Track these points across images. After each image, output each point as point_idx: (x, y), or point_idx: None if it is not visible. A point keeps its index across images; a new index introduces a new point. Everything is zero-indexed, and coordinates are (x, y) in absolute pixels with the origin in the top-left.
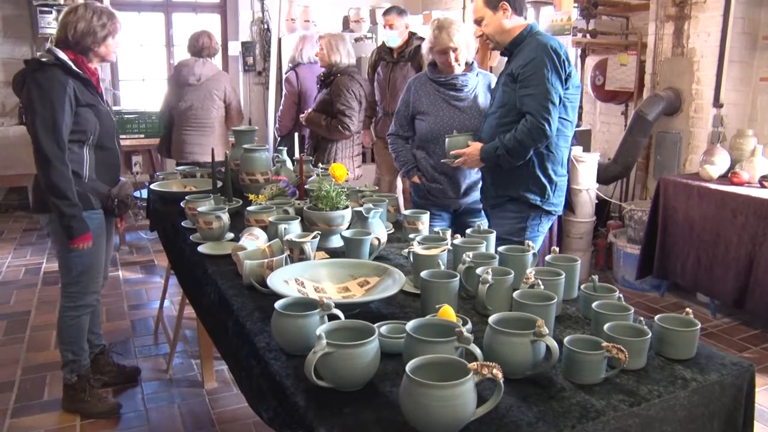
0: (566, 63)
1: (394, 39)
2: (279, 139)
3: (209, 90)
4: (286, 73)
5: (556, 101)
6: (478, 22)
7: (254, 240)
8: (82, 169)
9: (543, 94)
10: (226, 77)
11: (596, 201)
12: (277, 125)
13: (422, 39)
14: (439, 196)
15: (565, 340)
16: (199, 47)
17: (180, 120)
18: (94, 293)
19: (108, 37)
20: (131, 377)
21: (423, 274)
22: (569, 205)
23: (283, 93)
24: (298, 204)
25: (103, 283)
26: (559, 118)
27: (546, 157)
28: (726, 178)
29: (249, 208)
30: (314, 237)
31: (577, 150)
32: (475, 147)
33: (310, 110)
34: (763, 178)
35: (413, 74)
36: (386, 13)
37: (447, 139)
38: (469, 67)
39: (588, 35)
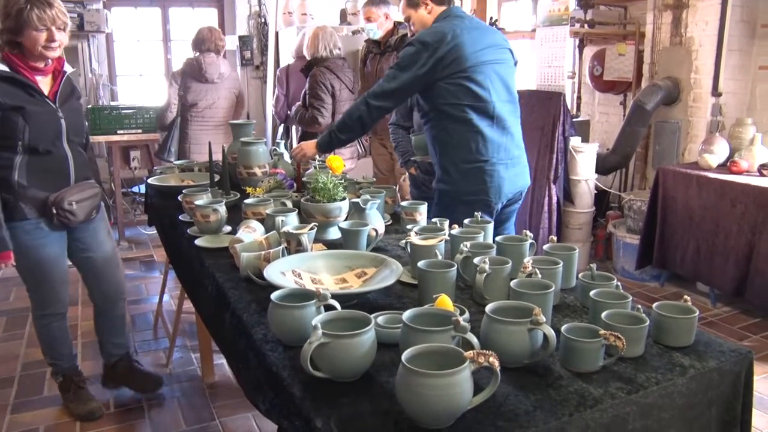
0: (437, 50)
1: (374, 31)
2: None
3: (228, 88)
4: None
5: (393, 87)
6: (407, 21)
7: (251, 232)
8: (11, 175)
9: (386, 78)
10: (237, 74)
11: (595, 191)
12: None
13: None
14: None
15: (563, 328)
16: (216, 44)
17: (192, 118)
18: (57, 303)
19: (24, 27)
20: (153, 386)
21: (420, 264)
22: (568, 196)
23: None
24: (296, 196)
25: (98, 294)
26: (446, 103)
27: (443, 144)
28: (725, 167)
29: (246, 201)
30: (311, 228)
31: (576, 140)
32: (310, 142)
33: (298, 103)
34: (762, 166)
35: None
36: (364, 5)
37: (412, 137)
38: None
39: (586, 25)
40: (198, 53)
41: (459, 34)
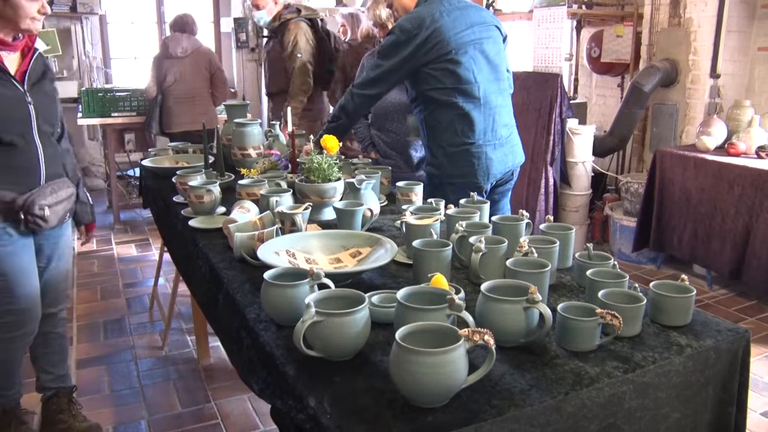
0: (417, 36)
1: (263, 18)
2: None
3: (195, 61)
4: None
5: (375, 75)
6: (389, 7)
7: (245, 213)
8: None
9: (369, 67)
10: (209, 49)
11: (592, 174)
12: None
13: (296, 12)
14: (393, 169)
15: (559, 307)
16: (182, 24)
17: (169, 92)
18: (30, 323)
19: None
20: None
21: (415, 243)
22: (565, 178)
23: None
24: (291, 177)
25: (49, 311)
26: (431, 89)
27: (430, 128)
28: (723, 149)
29: (241, 182)
30: (305, 208)
31: (573, 122)
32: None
33: None
34: (760, 148)
35: (278, 50)
36: None
37: (409, 118)
38: None
39: (584, 6)
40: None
41: (438, 18)
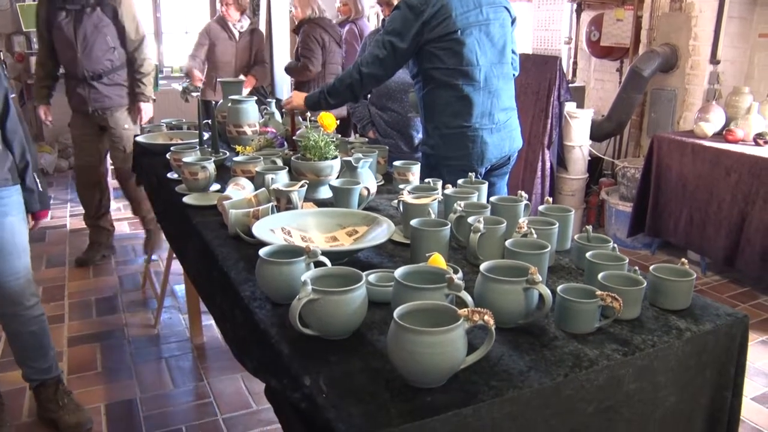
0: (423, 12)
1: None
2: None
3: None
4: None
5: (384, 53)
6: None
7: (240, 190)
8: None
9: (375, 44)
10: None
11: (589, 158)
12: None
13: None
14: (393, 150)
15: (559, 288)
16: None
17: None
18: None
19: None
20: (79, 426)
21: (413, 222)
22: (562, 162)
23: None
24: (287, 153)
25: (9, 310)
26: (433, 68)
27: (428, 107)
28: (720, 135)
29: (236, 159)
30: (301, 186)
31: (571, 106)
32: (301, 93)
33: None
34: (758, 136)
35: (106, 21)
36: None
37: (410, 94)
38: None
39: None
40: None
41: None
